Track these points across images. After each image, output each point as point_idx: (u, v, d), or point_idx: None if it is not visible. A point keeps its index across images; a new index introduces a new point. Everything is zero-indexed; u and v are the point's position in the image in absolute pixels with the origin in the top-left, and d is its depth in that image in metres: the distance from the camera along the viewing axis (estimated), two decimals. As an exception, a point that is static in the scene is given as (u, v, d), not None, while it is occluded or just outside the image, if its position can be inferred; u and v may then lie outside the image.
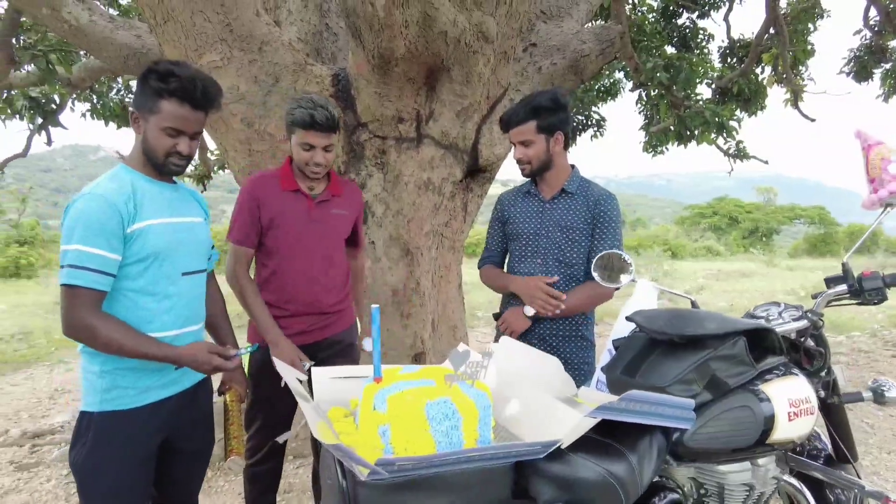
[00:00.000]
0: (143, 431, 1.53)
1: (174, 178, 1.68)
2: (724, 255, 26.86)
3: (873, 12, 7.23)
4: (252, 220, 2.06)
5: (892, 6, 6.63)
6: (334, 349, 2.21)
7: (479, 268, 2.37)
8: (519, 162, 2.11)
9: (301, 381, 1.19)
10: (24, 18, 4.60)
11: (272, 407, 2.11)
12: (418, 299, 3.30)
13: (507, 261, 2.29)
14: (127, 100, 8.30)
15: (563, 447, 1.05)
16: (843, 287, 1.61)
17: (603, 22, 7.86)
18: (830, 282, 1.65)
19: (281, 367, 1.23)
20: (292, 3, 3.76)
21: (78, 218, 1.41)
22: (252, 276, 2.15)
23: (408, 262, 3.24)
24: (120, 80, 7.90)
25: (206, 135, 3.34)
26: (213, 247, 1.80)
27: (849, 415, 1.73)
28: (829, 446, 1.73)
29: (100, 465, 1.47)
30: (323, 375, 1.22)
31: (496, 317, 2.26)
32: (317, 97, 2.04)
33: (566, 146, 2.17)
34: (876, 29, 7.41)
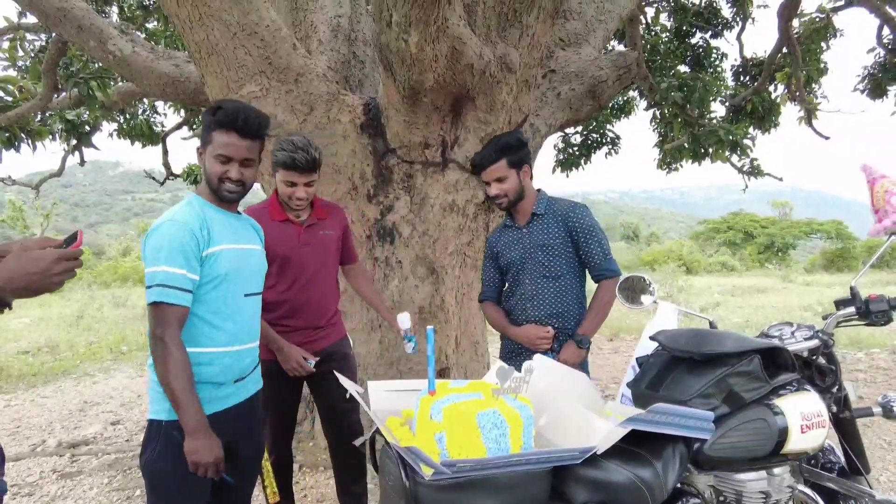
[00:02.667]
0: None
1: (238, 208, 1.86)
2: (740, 270, 26.73)
3: (886, 31, 7.32)
4: None
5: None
6: (333, 359, 2.42)
7: (479, 302, 2.58)
8: (496, 198, 2.30)
9: (360, 394, 1.32)
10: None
11: (280, 406, 2.37)
12: (443, 316, 3.43)
13: (504, 289, 2.49)
14: (152, 119, 8.63)
15: (597, 453, 1.17)
16: (851, 309, 1.72)
17: (618, 43, 8.04)
18: (840, 304, 1.76)
19: (344, 381, 1.37)
20: (322, 34, 3.96)
21: (162, 242, 1.57)
22: None
23: (433, 280, 3.38)
24: (146, 101, 8.23)
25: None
26: None
27: (867, 432, 1.82)
28: (843, 459, 1.83)
29: (168, 468, 1.61)
30: (378, 388, 1.36)
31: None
32: (297, 139, 2.24)
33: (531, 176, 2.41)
34: (890, 47, 7.49)
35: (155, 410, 1.65)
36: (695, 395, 1.43)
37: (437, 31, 2.64)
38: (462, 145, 3.33)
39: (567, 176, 8.81)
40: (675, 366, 1.54)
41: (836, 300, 1.78)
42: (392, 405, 1.31)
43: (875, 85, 7.78)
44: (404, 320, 2.19)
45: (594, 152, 8.55)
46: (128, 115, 8.08)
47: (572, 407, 1.27)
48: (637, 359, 1.73)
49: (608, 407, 1.49)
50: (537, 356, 1.52)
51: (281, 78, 3.02)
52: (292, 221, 2.35)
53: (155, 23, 7.87)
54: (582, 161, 8.56)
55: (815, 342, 1.65)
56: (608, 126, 8.56)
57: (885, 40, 7.52)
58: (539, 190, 2.40)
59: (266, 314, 2.25)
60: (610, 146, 8.54)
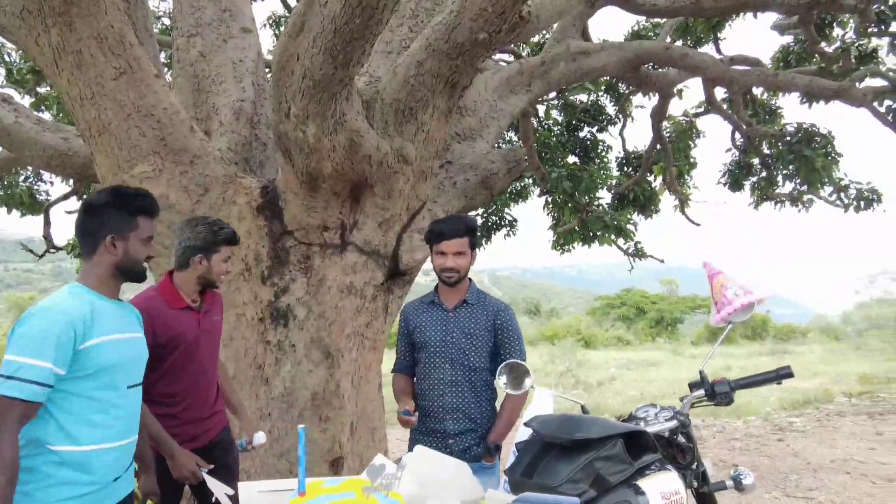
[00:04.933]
0: None
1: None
2: (634, 343, 28.19)
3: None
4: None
5: (751, 130, 7.77)
6: (222, 447, 2.38)
7: (392, 372, 2.58)
8: (450, 270, 2.33)
9: (230, 496, 1.28)
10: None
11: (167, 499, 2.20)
12: (338, 402, 3.36)
13: (417, 368, 2.50)
14: (36, 187, 8.09)
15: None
16: (701, 391, 1.92)
17: (514, 133, 8.69)
18: (692, 386, 1.96)
19: (212, 483, 1.32)
20: (224, 116, 3.99)
21: (33, 331, 1.49)
22: None
23: (328, 364, 3.33)
24: (30, 168, 7.72)
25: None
26: None
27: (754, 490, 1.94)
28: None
29: None
30: (251, 490, 1.32)
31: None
32: (211, 219, 2.33)
33: None
34: (742, 148, 8.63)
35: None
36: (564, 481, 1.50)
37: (335, 125, 2.76)
38: (361, 228, 3.41)
39: (469, 255, 9.13)
40: (547, 451, 1.62)
41: (689, 383, 1.97)
42: (265, 507, 1.28)
43: (733, 180, 8.87)
44: (259, 438, 2.15)
45: (494, 234, 8.99)
46: (6, 183, 7.54)
47: (446, 502, 1.29)
48: (516, 444, 1.80)
49: (487, 496, 1.53)
50: (418, 447, 1.54)
51: (176, 159, 2.99)
52: (190, 308, 2.29)
53: (47, 87, 7.54)
54: (483, 242, 8.95)
55: (674, 423, 1.81)
56: (506, 210, 9.07)
57: (737, 142, 8.67)
58: (470, 279, 2.48)
59: (160, 409, 2.16)
60: (508, 228, 9.02)
